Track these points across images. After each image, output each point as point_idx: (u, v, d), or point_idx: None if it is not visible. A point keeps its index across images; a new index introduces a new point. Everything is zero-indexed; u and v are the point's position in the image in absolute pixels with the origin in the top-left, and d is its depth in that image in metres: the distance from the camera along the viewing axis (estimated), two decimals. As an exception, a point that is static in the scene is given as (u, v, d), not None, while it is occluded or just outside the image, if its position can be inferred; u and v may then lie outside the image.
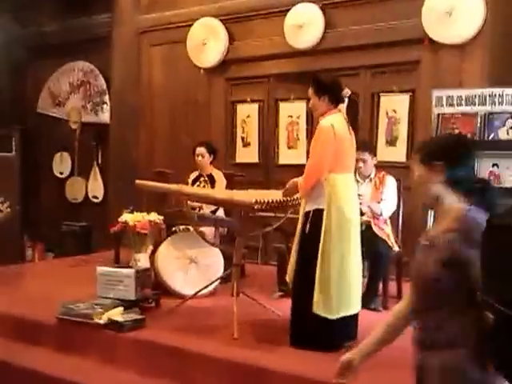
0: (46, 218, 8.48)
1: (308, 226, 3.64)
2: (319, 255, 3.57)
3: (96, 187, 8.11)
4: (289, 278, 3.90)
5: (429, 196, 1.92)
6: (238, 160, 6.93)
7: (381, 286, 4.58)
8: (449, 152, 1.90)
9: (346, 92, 3.81)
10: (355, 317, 3.77)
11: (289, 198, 3.98)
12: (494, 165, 2.44)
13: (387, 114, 5.92)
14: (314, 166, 3.63)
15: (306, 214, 3.68)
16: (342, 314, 3.62)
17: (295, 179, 3.74)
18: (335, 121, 3.61)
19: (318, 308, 3.56)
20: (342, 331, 3.67)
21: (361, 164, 4.67)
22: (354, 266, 3.69)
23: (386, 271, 4.59)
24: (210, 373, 3.57)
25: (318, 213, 3.60)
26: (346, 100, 3.87)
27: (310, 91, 3.73)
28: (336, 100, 3.70)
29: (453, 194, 1.85)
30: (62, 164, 8.47)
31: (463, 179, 1.84)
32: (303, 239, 3.71)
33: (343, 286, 3.62)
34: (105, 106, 8.02)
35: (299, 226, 3.76)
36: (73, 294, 4.56)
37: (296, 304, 3.74)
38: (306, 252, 3.68)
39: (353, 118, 4.17)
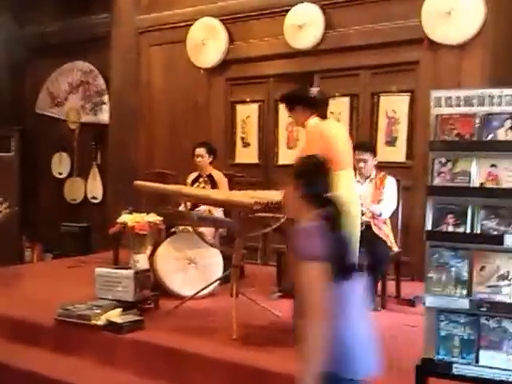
0: (44, 218, 8.48)
1: None
2: None
3: (95, 188, 8.12)
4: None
5: (293, 208, 2.34)
6: (238, 160, 6.93)
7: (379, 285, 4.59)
8: (305, 172, 2.31)
9: (314, 89, 3.89)
10: None
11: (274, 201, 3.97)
12: (492, 165, 2.44)
13: (387, 114, 5.93)
14: None
15: None
16: None
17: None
18: (322, 122, 3.70)
19: None
20: None
21: (361, 164, 4.67)
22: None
23: (385, 271, 4.60)
24: (208, 374, 3.57)
25: None
26: (317, 95, 3.83)
27: (287, 111, 3.91)
28: (310, 104, 3.76)
29: (310, 207, 2.22)
30: (60, 164, 8.47)
31: (315, 195, 2.23)
32: None
33: None
34: (104, 106, 8.02)
35: None
36: (71, 295, 4.57)
37: None
38: None
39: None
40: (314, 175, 2.29)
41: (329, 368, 2.02)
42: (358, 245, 3.70)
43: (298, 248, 2.13)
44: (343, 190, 3.59)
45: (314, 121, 3.71)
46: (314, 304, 2.01)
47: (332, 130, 3.70)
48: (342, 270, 2.10)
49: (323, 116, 3.80)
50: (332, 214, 2.20)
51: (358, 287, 2.19)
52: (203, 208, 5.29)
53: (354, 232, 3.61)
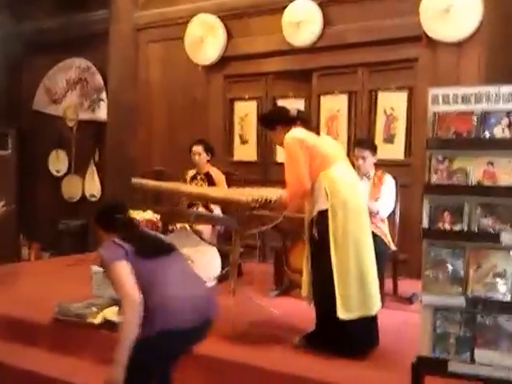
0: (42, 216, 8.49)
1: (315, 230, 3.57)
2: (333, 255, 3.49)
3: (93, 185, 8.12)
4: (304, 291, 3.83)
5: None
6: (236, 158, 6.94)
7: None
8: (102, 216, 2.94)
9: (294, 110, 3.86)
10: (375, 320, 3.69)
11: (267, 199, 3.93)
12: (489, 163, 2.45)
13: (385, 111, 5.94)
14: (293, 181, 3.64)
15: (311, 221, 3.63)
16: (364, 313, 3.53)
17: (280, 199, 3.82)
18: (294, 131, 3.68)
19: (341, 312, 3.47)
20: (365, 335, 3.60)
21: (360, 161, 4.68)
22: (370, 260, 3.61)
23: (383, 269, 4.59)
24: (205, 372, 3.58)
25: (322, 214, 3.56)
26: (297, 114, 3.84)
27: (267, 131, 4.03)
28: (288, 122, 3.76)
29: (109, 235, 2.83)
30: (58, 162, 8.47)
31: (120, 231, 2.79)
32: (313, 246, 3.66)
33: (363, 284, 3.53)
34: (102, 103, 8.02)
35: (307, 235, 3.71)
36: (69, 293, 4.57)
37: (321, 315, 3.65)
38: (319, 258, 3.60)
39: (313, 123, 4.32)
40: (109, 218, 2.88)
41: (159, 328, 2.58)
42: (367, 235, 3.65)
43: (102, 260, 2.74)
44: (334, 186, 3.59)
45: (289, 134, 3.67)
46: (125, 296, 2.59)
47: (302, 134, 3.67)
48: (150, 252, 2.77)
49: (309, 127, 3.78)
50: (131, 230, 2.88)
51: (175, 261, 2.88)
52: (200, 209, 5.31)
53: (356, 222, 3.57)
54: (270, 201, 3.93)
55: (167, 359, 2.78)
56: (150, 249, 2.81)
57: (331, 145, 3.82)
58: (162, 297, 2.65)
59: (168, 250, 2.92)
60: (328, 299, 3.51)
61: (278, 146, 6.49)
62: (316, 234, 3.58)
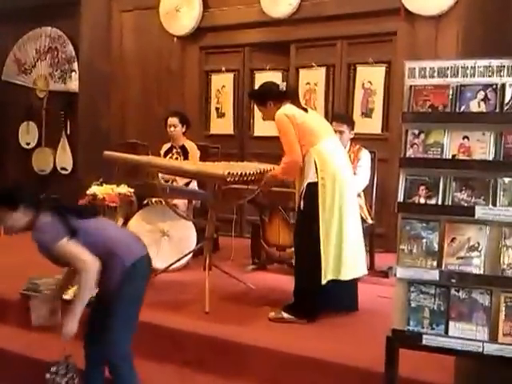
0: (12, 190, 8.38)
1: (302, 202, 3.75)
2: (321, 226, 3.66)
3: (64, 158, 8.04)
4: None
5: None
6: (213, 131, 6.92)
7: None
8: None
9: (281, 84, 4.04)
10: (351, 285, 3.89)
11: (262, 170, 4.12)
12: (464, 137, 2.48)
13: (363, 85, 5.96)
14: (287, 150, 3.80)
15: (300, 193, 3.78)
16: (334, 276, 3.72)
17: (271, 172, 4.00)
18: (284, 108, 3.83)
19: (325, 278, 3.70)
20: (332, 298, 3.80)
21: (338, 135, 4.70)
22: (353, 230, 3.78)
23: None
24: (180, 347, 3.62)
25: (311, 186, 3.72)
26: (286, 89, 3.99)
27: (257, 106, 4.11)
28: (279, 98, 3.89)
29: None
30: (28, 134, 8.36)
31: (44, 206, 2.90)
32: (300, 217, 3.83)
33: (340, 252, 3.72)
34: (73, 73, 7.91)
35: (296, 208, 3.86)
36: (39, 268, 4.54)
37: (302, 284, 3.81)
38: (306, 228, 3.76)
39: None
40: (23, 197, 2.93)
41: (128, 261, 2.83)
42: (354, 207, 3.83)
43: (42, 245, 2.84)
44: (323, 162, 3.70)
45: (279, 111, 3.83)
46: (86, 262, 2.74)
47: (292, 110, 3.82)
48: (87, 214, 2.99)
49: (297, 104, 3.93)
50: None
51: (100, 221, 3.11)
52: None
53: (344, 195, 3.72)
54: (247, 174, 3.96)
55: (144, 287, 2.98)
56: (86, 211, 3.05)
57: (319, 121, 3.98)
58: (116, 238, 2.95)
59: (95, 213, 3.19)
60: (312, 267, 3.68)
61: (254, 120, 6.62)
62: (302, 206, 3.74)
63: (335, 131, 4.68)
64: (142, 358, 3.60)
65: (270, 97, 3.93)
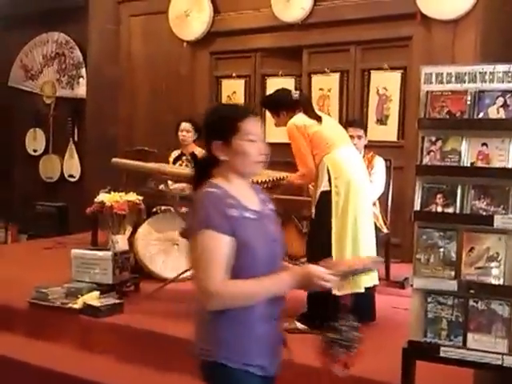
0: (19, 198, 8.45)
1: (315, 210, 3.79)
2: (333, 234, 3.67)
3: (72, 165, 8.10)
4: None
5: None
6: (223, 138, 6.92)
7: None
8: None
9: (294, 93, 4.06)
10: (369, 296, 3.90)
11: (275, 178, 4.19)
12: (483, 144, 2.48)
13: (378, 91, 5.96)
14: (299, 163, 3.89)
15: (314, 202, 3.83)
16: (352, 290, 3.66)
17: (289, 179, 4.13)
18: (295, 118, 3.88)
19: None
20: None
21: (355, 141, 4.70)
22: (367, 240, 3.77)
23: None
24: (188, 358, 3.61)
25: (324, 194, 3.75)
26: (299, 98, 4.01)
27: (270, 114, 4.13)
28: (292, 107, 3.93)
29: None
30: (35, 141, 8.43)
31: None
32: (313, 225, 3.88)
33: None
34: (81, 79, 7.98)
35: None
36: (47, 277, 4.58)
37: (314, 293, 3.74)
38: (318, 237, 3.78)
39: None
40: None
41: None
42: (368, 217, 3.82)
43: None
44: (337, 170, 3.73)
45: (289, 122, 3.89)
46: None
47: (302, 121, 3.85)
48: None
49: (310, 113, 3.93)
50: None
51: None
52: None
53: (358, 204, 3.72)
54: (258, 182, 3.97)
55: None
56: None
57: (334, 129, 3.99)
58: None
59: None
60: None
61: (267, 126, 6.61)
62: (314, 215, 3.78)
63: (353, 137, 4.69)
64: (153, 367, 3.64)
65: (282, 106, 3.97)
